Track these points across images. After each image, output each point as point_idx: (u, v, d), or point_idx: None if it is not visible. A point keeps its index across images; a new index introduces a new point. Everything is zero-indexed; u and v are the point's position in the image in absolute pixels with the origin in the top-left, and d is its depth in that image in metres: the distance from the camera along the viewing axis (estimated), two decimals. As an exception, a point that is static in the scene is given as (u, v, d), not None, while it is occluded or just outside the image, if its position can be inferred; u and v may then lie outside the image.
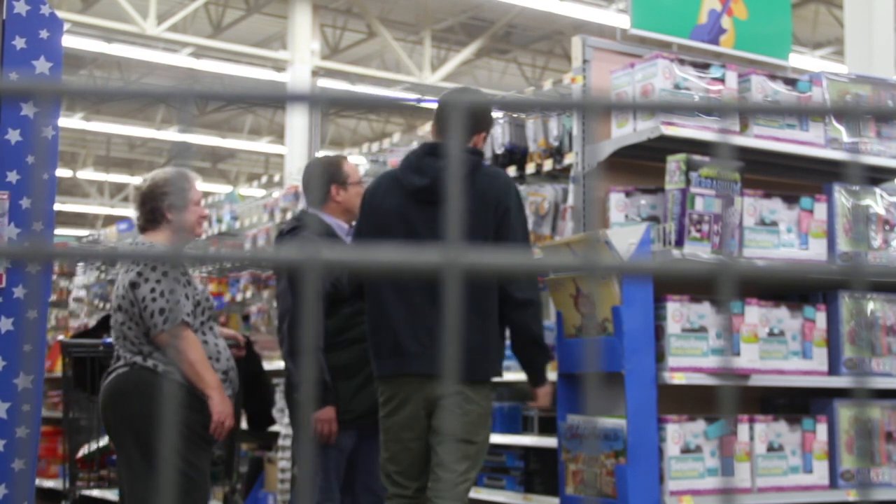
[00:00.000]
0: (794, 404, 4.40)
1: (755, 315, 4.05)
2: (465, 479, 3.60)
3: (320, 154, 13.22)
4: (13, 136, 3.50)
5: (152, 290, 3.75)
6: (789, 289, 4.34)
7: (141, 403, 3.69)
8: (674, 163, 3.94)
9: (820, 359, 4.19)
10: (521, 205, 3.76)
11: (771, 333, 4.09)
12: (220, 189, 18.38)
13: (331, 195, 4.33)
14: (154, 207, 3.91)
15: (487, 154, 5.25)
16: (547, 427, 4.70)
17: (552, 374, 4.23)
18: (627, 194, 4.24)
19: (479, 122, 3.79)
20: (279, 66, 15.21)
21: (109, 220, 21.56)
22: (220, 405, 3.74)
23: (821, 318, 4.21)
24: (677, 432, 3.82)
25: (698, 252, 3.87)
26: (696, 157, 3.92)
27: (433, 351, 3.60)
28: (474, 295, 3.57)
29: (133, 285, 3.78)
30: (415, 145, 6.17)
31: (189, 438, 3.73)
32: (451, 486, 3.57)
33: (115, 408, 3.79)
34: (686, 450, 3.83)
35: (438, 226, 3.57)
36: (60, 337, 8.73)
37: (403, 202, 3.69)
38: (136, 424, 3.71)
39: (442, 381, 3.60)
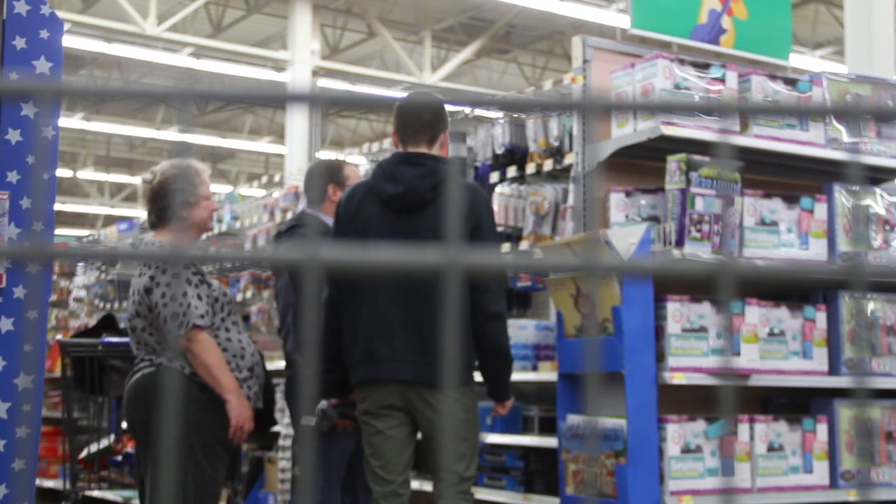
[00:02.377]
0: (794, 404, 4.40)
1: (755, 315, 4.05)
2: (466, 478, 3.62)
3: (322, 155, 13.23)
4: (13, 136, 3.50)
5: (163, 296, 3.70)
6: (789, 289, 4.34)
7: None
8: (674, 163, 3.94)
9: (820, 359, 4.19)
10: (492, 216, 3.75)
11: (771, 333, 4.09)
12: (220, 189, 18.37)
13: (328, 195, 4.35)
14: (165, 205, 3.84)
15: (488, 154, 5.25)
16: (547, 427, 4.70)
17: (552, 374, 4.23)
18: (627, 194, 4.24)
19: (439, 122, 3.78)
20: (279, 66, 15.21)
21: (109, 220, 21.57)
22: (238, 409, 3.70)
23: (821, 318, 4.21)
24: (677, 432, 3.82)
25: (698, 252, 3.87)
26: (696, 157, 3.92)
27: (405, 357, 3.60)
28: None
29: (147, 291, 3.74)
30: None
31: (207, 441, 3.70)
32: (452, 485, 3.59)
33: (139, 407, 3.76)
34: (686, 450, 3.83)
35: (413, 233, 3.60)
36: (59, 337, 8.73)
37: (378, 211, 3.70)
38: (160, 424, 3.68)
39: (415, 386, 3.60)
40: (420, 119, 3.69)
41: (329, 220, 4.32)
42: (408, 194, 3.64)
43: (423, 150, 3.71)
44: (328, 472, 4.22)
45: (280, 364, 6.43)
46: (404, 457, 3.69)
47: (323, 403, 4.03)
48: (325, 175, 4.41)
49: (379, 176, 3.75)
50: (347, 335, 3.72)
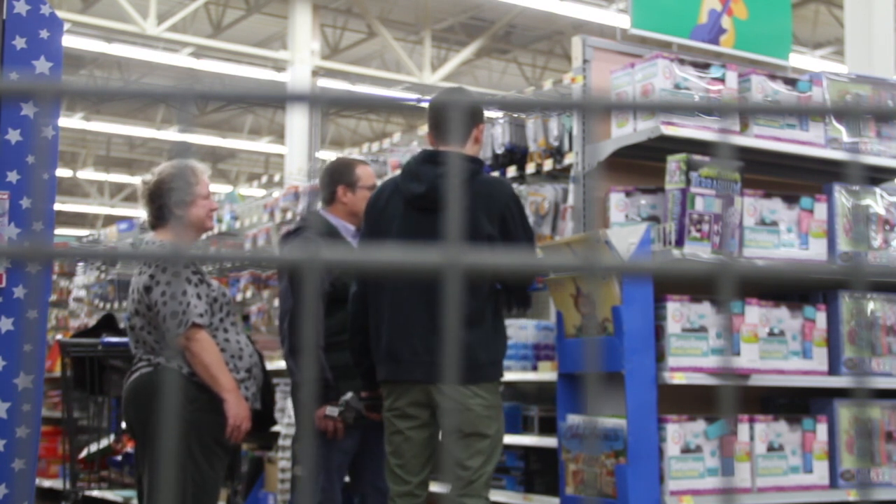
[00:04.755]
0: (794, 404, 4.40)
1: (755, 315, 4.05)
2: (481, 474, 3.61)
3: (322, 155, 13.24)
4: (13, 136, 3.50)
5: (163, 294, 3.70)
6: (789, 289, 4.34)
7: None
8: (674, 163, 3.94)
9: (820, 359, 4.19)
10: (522, 209, 3.76)
11: (771, 333, 4.09)
12: (220, 189, 18.38)
13: (337, 196, 4.35)
14: (162, 204, 3.84)
15: (487, 154, 5.25)
16: (547, 427, 4.70)
17: (552, 374, 4.23)
18: (627, 194, 4.24)
19: (474, 116, 3.80)
20: (279, 66, 15.21)
21: (109, 220, 21.55)
22: (236, 408, 3.69)
23: (821, 318, 4.21)
24: (677, 432, 3.82)
25: (698, 252, 3.87)
26: (696, 157, 3.92)
27: (426, 359, 3.62)
28: (465, 299, 3.58)
29: (147, 289, 3.74)
30: (415, 145, 6.19)
31: (205, 441, 3.70)
32: (466, 482, 3.59)
33: (138, 407, 3.76)
34: (686, 450, 3.83)
35: (437, 232, 3.59)
36: (59, 337, 8.73)
37: (403, 209, 3.73)
38: (158, 424, 3.68)
39: (437, 386, 3.62)
40: (449, 118, 3.71)
41: (336, 222, 4.32)
42: (430, 193, 3.65)
43: (453, 148, 3.70)
44: (328, 472, 4.22)
45: (280, 364, 6.44)
46: (423, 458, 3.70)
47: (348, 395, 4.04)
48: (335, 176, 4.41)
49: (405, 174, 3.78)
50: (372, 332, 3.75)
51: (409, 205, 3.71)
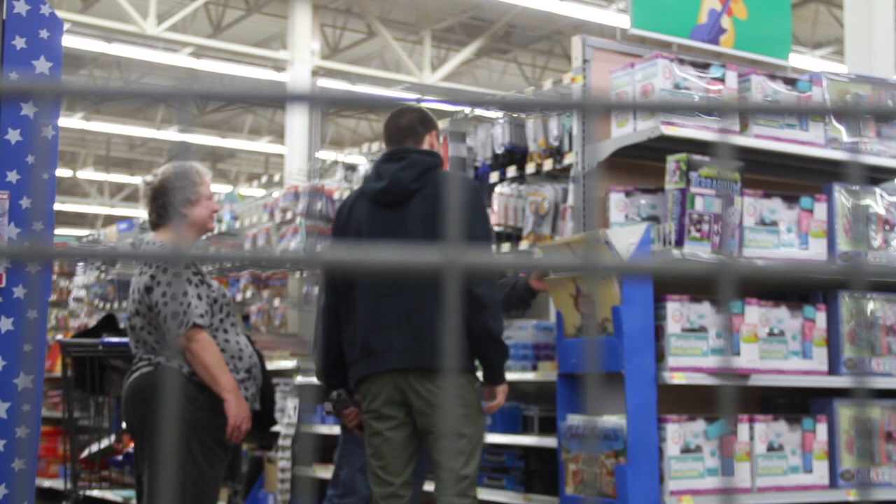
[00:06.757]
0: (794, 404, 4.40)
1: (755, 315, 4.05)
2: (465, 475, 3.61)
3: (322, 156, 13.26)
4: (13, 136, 3.50)
5: (163, 294, 3.70)
6: (789, 289, 4.34)
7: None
8: (674, 163, 3.94)
9: (820, 359, 4.19)
10: (481, 203, 3.78)
11: (771, 333, 4.09)
12: (220, 189, 18.38)
13: None
14: (165, 203, 3.85)
15: (487, 154, 5.26)
16: (547, 427, 4.70)
17: (552, 374, 4.23)
18: (627, 194, 4.24)
19: (425, 122, 3.86)
20: (279, 66, 15.21)
21: (109, 220, 21.55)
22: (236, 408, 3.69)
23: (821, 317, 4.21)
24: (677, 432, 3.82)
25: (698, 252, 3.87)
26: (696, 157, 3.92)
27: (401, 346, 3.62)
28: (440, 290, 3.57)
29: (147, 290, 3.74)
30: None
31: (205, 441, 3.70)
32: (452, 483, 3.58)
33: (137, 406, 3.76)
34: (686, 450, 3.83)
35: (402, 225, 3.69)
36: (59, 337, 8.73)
37: (368, 209, 3.79)
38: (158, 423, 3.68)
39: (408, 377, 3.63)
40: (399, 127, 3.83)
41: None
42: (391, 186, 3.72)
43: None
44: (351, 467, 4.24)
45: (280, 364, 6.45)
46: (403, 458, 3.70)
47: (333, 394, 4.04)
48: None
49: (368, 177, 3.88)
50: (347, 336, 3.75)
51: (374, 203, 3.78)
